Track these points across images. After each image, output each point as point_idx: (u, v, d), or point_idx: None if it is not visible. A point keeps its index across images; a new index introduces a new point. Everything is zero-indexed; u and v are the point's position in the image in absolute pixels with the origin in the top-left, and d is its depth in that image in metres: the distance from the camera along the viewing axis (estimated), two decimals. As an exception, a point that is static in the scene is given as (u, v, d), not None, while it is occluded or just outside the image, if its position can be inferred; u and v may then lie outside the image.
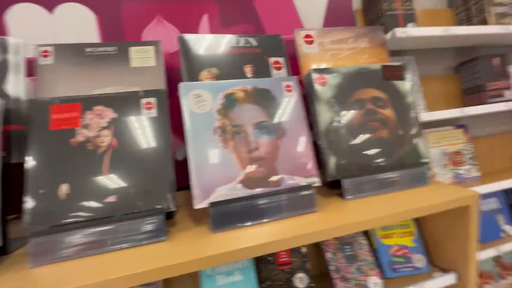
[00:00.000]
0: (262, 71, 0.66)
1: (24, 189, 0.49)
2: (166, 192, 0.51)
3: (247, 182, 0.53)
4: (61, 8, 0.72)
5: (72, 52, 0.60)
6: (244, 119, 0.57)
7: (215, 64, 0.64)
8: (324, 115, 0.61)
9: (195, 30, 0.79)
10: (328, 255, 0.62)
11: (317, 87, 0.62)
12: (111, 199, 0.50)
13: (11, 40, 0.54)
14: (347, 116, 0.62)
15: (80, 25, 0.72)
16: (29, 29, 0.69)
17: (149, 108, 0.56)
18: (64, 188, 0.49)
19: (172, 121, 0.70)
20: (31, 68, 0.63)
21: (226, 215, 0.50)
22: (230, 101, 0.57)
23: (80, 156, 0.50)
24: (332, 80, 0.63)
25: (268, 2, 0.85)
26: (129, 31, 0.75)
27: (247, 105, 0.58)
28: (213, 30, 0.80)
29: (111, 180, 0.50)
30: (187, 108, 0.55)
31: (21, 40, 0.55)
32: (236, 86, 0.59)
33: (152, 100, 0.56)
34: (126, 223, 0.48)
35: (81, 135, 0.52)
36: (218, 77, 0.63)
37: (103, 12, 0.74)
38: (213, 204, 0.49)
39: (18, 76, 0.53)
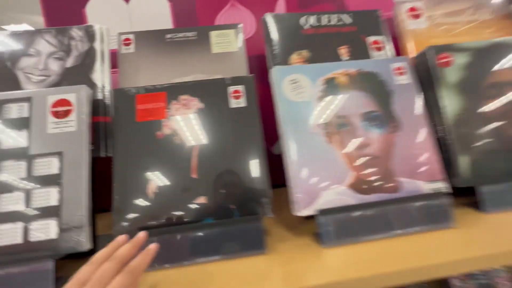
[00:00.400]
0: (360, 52, 0.56)
1: (111, 185, 0.46)
2: (261, 194, 0.43)
3: (358, 186, 0.43)
4: (137, -3, 0.69)
5: (152, 39, 0.56)
6: (349, 109, 0.47)
7: (306, 46, 0.55)
8: (450, 103, 0.48)
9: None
10: (455, 282, 0.49)
11: (440, 68, 0.49)
12: (201, 200, 0.44)
13: (96, 27, 0.51)
14: (482, 104, 0.48)
15: (155, 13, 0.68)
16: (107, 20, 0.67)
17: (237, 97, 0.49)
18: (152, 186, 0.44)
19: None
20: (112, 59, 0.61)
21: (338, 226, 0.40)
22: (331, 87, 0.48)
23: (167, 151, 0.45)
24: (459, 59, 0.50)
25: (351, -24, 0.73)
26: (202, 17, 0.70)
27: (352, 92, 0.48)
28: (290, 12, 0.71)
29: (200, 178, 0.44)
30: (282, 96, 0.47)
31: (106, 27, 0.52)
32: (338, 69, 0.49)
33: (240, 88, 0.49)
34: (219, 230, 0.41)
35: (168, 127, 0.47)
36: (309, 61, 0.54)
37: (177, -2, 0.69)
38: (323, 212, 0.40)
39: (104, 65, 0.50)
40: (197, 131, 0.46)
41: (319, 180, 0.43)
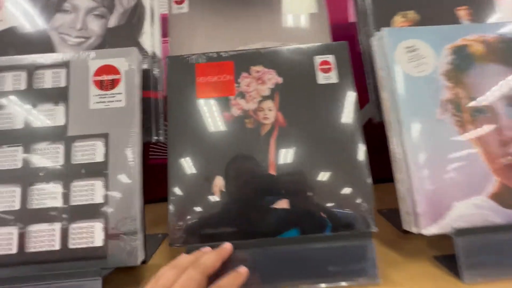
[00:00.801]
0: (485, 14, 0.42)
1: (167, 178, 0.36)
2: (362, 200, 0.32)
3: (505, 197, 0.31)
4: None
5: (210, -3, 0.45)
6: (489, 89, 0.34)
7: (412, 6, 0.41)
8: None
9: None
10: None
11: None
12: (282, 204, 0.33)
13: (144, -24, 0.41)
14: None
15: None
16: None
17: (326, 70, 0.37)
18: (218, 183, 0.34)
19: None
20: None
21: (484, 253, 0.29)
22: (462, 59, 0.35)
23: (236, 138, 0.35)
24: None
25: None
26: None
27: (492, 66, 0.35)
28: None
29: (280, 176, 0.34)
30: (394, 69, 0.35)
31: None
32: (470, 34, 0.36)
33: (330, 58, 0.38)
34: (308, 247, 0.31)
35: (237, 107, 0.36)
36: (418, 24, 0.41)
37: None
38: (460, 233, 0.29)
39: (154, 26, 0.40)
40: (275, 113, 0.35)
41: (450, 186, 0.31)
